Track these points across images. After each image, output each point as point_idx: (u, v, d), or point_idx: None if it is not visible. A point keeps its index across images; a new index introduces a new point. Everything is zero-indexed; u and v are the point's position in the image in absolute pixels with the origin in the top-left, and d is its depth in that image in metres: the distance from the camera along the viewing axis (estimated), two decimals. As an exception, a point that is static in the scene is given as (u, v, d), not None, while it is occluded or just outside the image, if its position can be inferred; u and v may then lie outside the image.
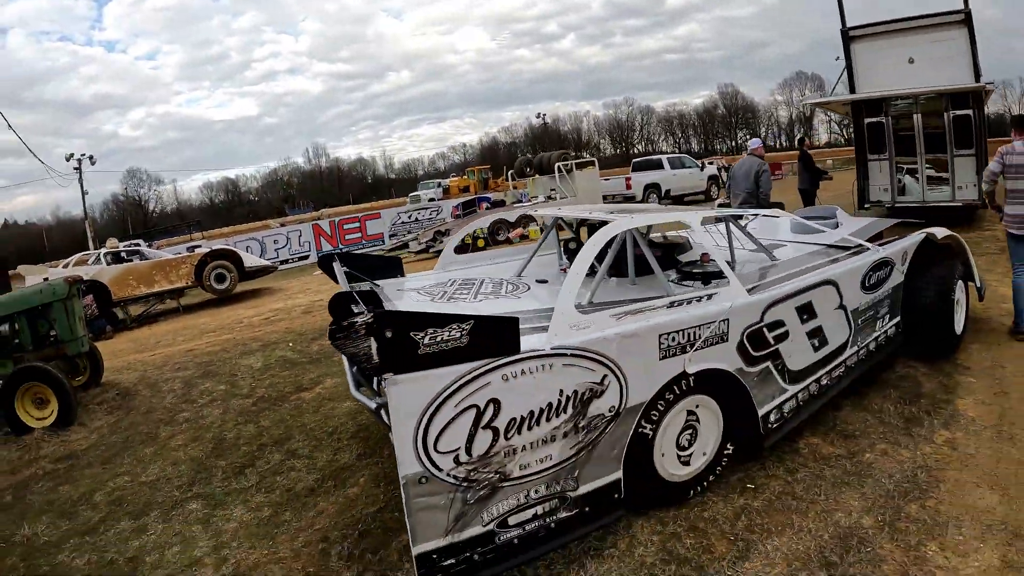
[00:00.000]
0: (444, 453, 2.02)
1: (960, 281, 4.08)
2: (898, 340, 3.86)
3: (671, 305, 2.55)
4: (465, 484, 2.07)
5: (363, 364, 1.92)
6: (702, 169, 18.84)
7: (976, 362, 3.96)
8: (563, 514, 2.27)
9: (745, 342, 2.69)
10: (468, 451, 2.06)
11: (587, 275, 2.50)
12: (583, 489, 2.32)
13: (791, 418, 3.00)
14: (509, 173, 18.84)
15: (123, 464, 3.94)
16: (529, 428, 2.15)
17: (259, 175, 60.10)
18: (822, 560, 2.25)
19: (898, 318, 3.82)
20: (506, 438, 2.11)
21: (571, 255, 3.87)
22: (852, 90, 9.14)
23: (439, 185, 29.32)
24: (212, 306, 10.91)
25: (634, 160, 19.36)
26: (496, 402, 2.08)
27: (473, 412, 2.05)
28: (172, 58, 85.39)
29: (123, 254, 11.01)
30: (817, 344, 3.13)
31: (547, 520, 2.25)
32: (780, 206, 7.93)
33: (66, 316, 4.95)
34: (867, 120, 9.01)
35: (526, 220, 14.54)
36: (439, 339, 1.97)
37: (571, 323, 2.27)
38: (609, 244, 3.01)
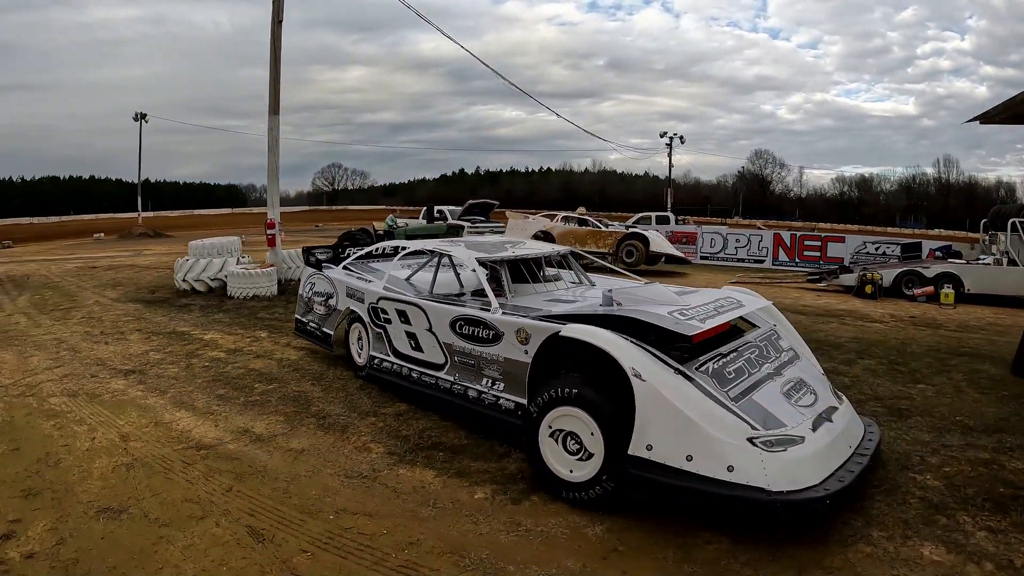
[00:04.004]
0: (308, 293, 6.51)
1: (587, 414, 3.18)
2: (519, 420, 3.65)
3: (358, 278, 5.78)
4: (308, 304, 6.50)
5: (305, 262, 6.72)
6: None
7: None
8: (319, 334, 6.26)
9: (370, 310, 5.33)
10: (309, 296, 6.47)
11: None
12: (324, 330, 6.18)
13: (388, 372, 4.99)
14: (982, 224, 13.11)
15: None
16: (319, 296, 6.28)
17: (891, 178, 54.47)
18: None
19: (523, 399, 3.69)
20: (315, 296, 6.35)
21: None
22: None
23: None
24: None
25: None
26: (315, 283, 6.37)
27: (311, 284, 6.45)
28: (833, 48, 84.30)
29: (586, 219, 17.26)
30: (413, 345, 4.70)
31: (319, 331, 6.29)
32: None
33: None
34: None
35: (944, 279, 11.03)
36: (316, 259, 6.50)
37: (340, 269, 6.14)
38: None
